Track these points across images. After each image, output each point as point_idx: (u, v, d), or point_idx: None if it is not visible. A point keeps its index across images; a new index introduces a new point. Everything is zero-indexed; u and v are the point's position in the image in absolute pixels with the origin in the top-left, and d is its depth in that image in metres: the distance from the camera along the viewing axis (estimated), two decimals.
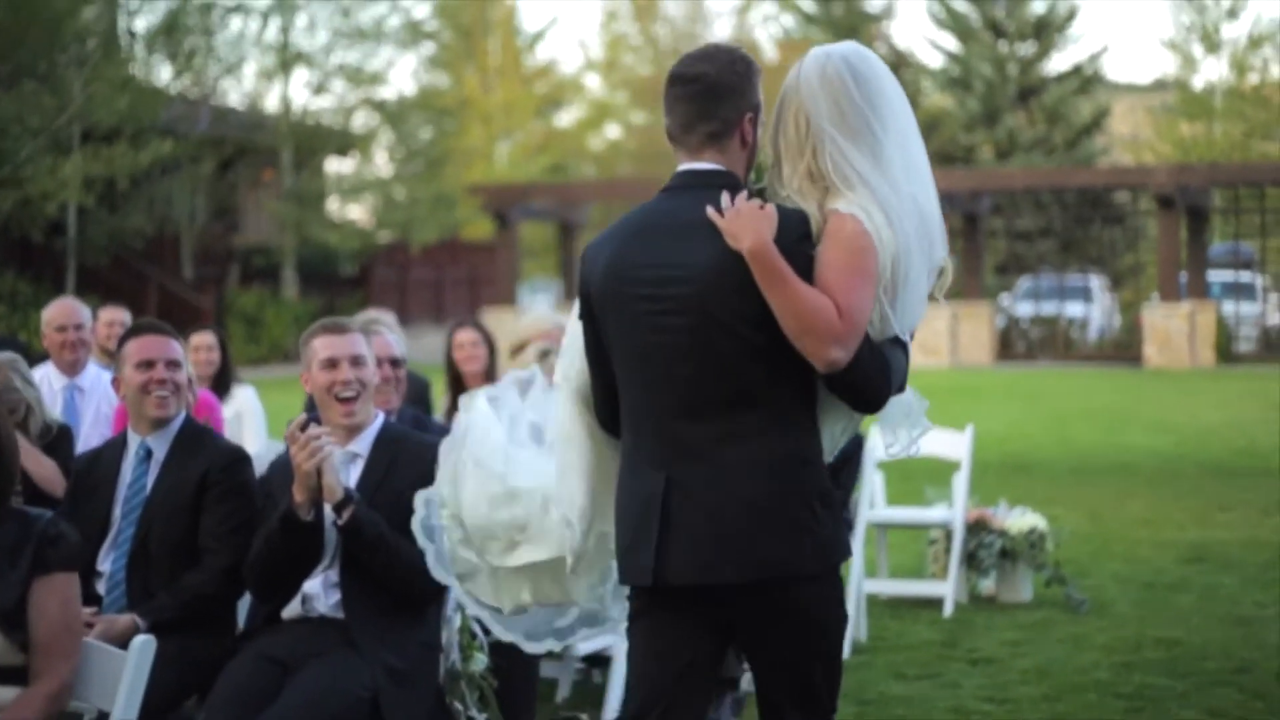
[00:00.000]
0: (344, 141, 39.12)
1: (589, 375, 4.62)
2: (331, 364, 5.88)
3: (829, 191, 4.41)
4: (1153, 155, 46.30)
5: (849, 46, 4.53)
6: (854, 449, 9.28)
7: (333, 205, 39.47)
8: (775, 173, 4.54)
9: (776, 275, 4.25)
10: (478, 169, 49.72)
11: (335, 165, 41.14)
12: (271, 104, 40.42)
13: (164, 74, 35.37)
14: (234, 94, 38.63)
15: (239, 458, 6.05)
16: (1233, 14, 44.74)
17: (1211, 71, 45.23)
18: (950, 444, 10.39)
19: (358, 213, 41.68)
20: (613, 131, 54.82)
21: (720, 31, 52.48)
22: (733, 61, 4.48)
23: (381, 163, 42.29)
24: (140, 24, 35.02)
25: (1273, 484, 16.06)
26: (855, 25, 56.57)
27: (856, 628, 9.30)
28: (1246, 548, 12.52)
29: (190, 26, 35.46)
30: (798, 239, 4.33)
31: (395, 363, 7.26)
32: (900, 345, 4.46)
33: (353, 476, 5.85)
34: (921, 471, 13.38)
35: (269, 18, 38.21)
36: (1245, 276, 39.86)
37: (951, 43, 54.02)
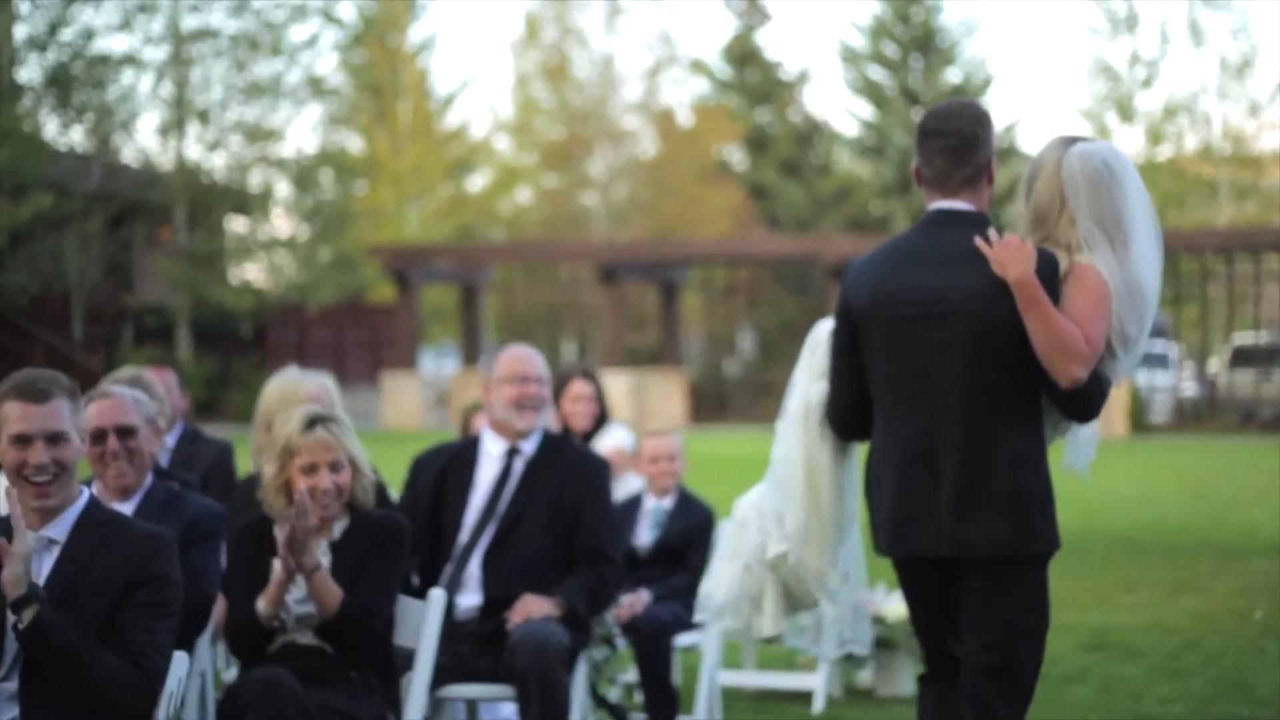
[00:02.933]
0: (240, 200, 38.06)
1: (835, 387, 5.54)
2: (22, 441, 4.88)
3: (1070, 249, 5.28)
4: None
5: (1108, 147, 5.37)
6: (702, 529, 8.43)
7: (230, 264, 38.30)
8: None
9: (1037, 302, 5.14)
10: (387, 231, 48.78)
11: (235, 224, 40.00)
12: (166, 161, 39.30)
13: (51, 127, 34.29)
14: (128, 150, 37.47)
15: None
16: (1147, 84, 44.43)
17: (1127, 142, 44.60)
18: None
19: (255, 272, 40.58)
20: (523, 195, 53.98)
21: (630, 95, 51.78)
22: (977, 117, 5.39)
23: (281, 222, 41.24)
24: (27, 75, 33.89)
25: (1180, 561, 15.28)
26: (769, 92, 56.14)
27: None
28: (1151, 633, 11.66)
29: (80, 79, 34.42)
30: (1050, 274, 5.19)
31: (124, 432, 6.02)
32: (1107, 382, 5.34)
33: (45, 567, 4.87)
34: None
35: (163, 72, 37.18)
36: (1158, 346, 39.31)
37: (867, 110, 53.68)
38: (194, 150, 37.80)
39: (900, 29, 52.93)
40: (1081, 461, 5.56)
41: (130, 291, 39.11)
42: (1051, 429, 5.40)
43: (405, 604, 6.07)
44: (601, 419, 9.56)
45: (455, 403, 39.07)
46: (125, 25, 36.71)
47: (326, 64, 50.43)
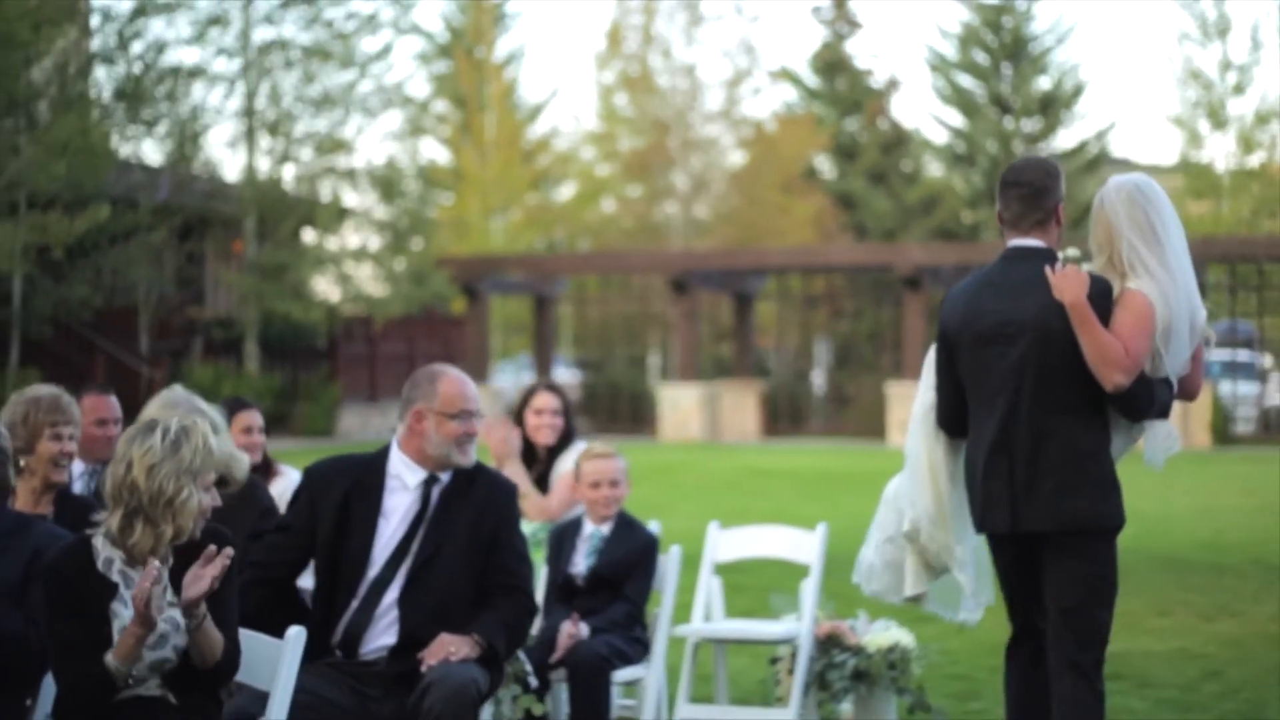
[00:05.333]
0: (310, 211, 37.76)
1: (940, 395, 6.67)
2: None
3: (1124, 276, 6.40)
4: None
5: (1142, 178, 6.50)
6: (640, 557, 7.92)
7: (299, 277, 37.94)
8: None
9: (1087, 322, 6.28)
10: (471, 243, 48.56)
11: (305, 236, 39.71)
12: (235, 172, 39.18)
13: (121, 140, 34.14)
14: (197, 162, 37.25)
15: None
16: (1239, 90, 43.47)
17: (1218, 149, 43.67)
18: (797, 545, 8.94)
19: (325, 285, 40.26)
20: (606, 206, 53.60)
21: (712, 103, 51.21)
22: (1047, 170, 6.57)
23: (351, 234, 40.97)
24: (97, 88, 33.77)
25: (1225, 582, 14.65)
26: (859, 100, 55.51)
27: None
28: (1172, 661, 11.05)
29: (151, 92, 34.27)
30: (1101, 297, 6.31)
31: None
32: (1166, 383, 6.45)
33: None
34: (772, 577, 11.81)
35: (234, 84, 37.02)
36: (1244, 355, 38.37)
37: (956, 118, 52.97)
38: (264, 162, 37.56)
39: (990, 36, 52.17)
40: (1158, 458, 6.60)
41: (200, 305, 38.94)
42: (1128, 429, 6.53)
43: (259, 641, 5.58)
44: (567, 434, 9.07)
45: None
46: (198, 38, 36.57)
47: (401, 74, 49.99)
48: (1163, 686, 10.24)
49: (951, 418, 6.65)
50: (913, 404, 6.91)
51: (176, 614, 5.31)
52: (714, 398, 37.79)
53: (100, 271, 33.58)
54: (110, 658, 5.29)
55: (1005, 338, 6.42)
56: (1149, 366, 6.39)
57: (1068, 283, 6.29)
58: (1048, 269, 6.37)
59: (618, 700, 8.19)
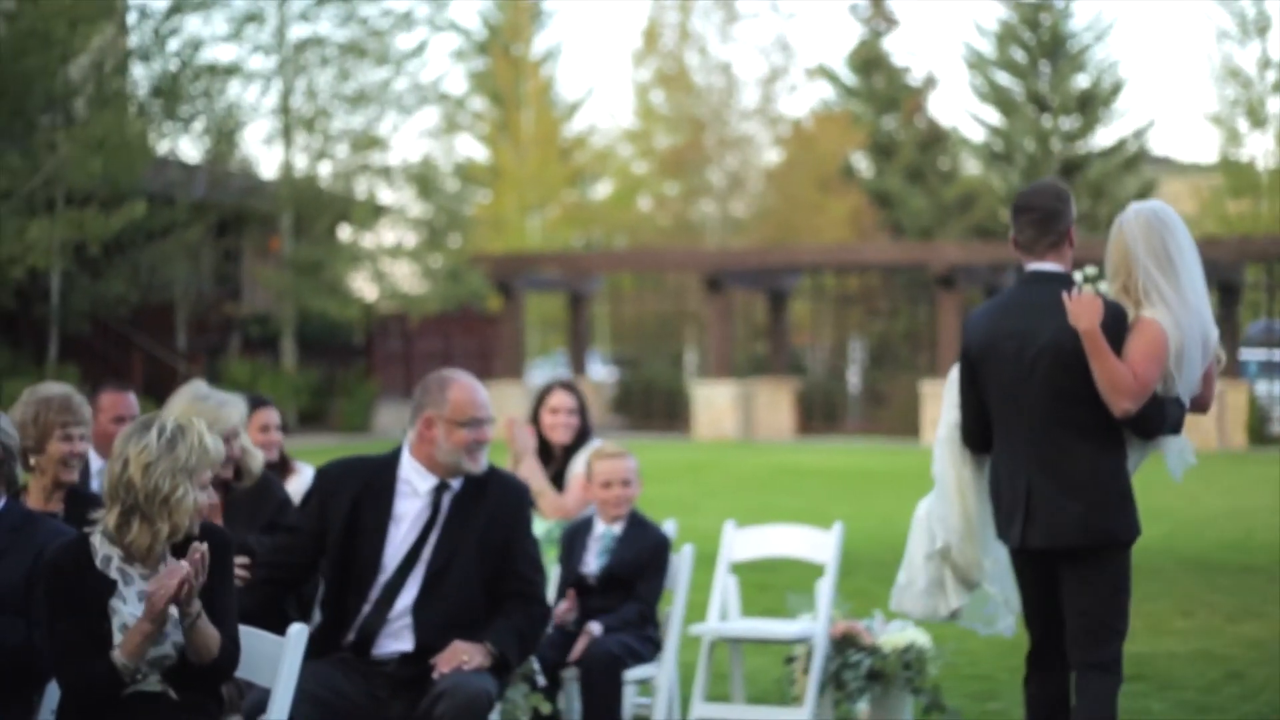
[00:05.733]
0: (346, 208, 37.84)
1: (964, 412, 6.89)
2: None
3: (1139, 304, 6.62)
4: (1197, 232, 44.67)
5: (1159, 204, 6.76)
6: (653, 557, 7.93)
7: (334, 274, 37.99)
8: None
9: (1099, 349, 6.49)
10: (509, 240, 48.64)
11: (341, 233, 39.78)
12: (272, 169, 39.29)
13: (157, 137, 34.26)
14: (234, 159, 37.37)
15: None
16: (1279, 88, 43.27)
17: (1257, 147, 43.50)
18: (813, 544, 8.93)
19: (361, 281, 40.31)
20: (644, 203, 53.60)
21: (748, 100, 51.15)
22: (1058, 194, 6.81)
23: (387, 231, 41.04)
24: (133, 84, 33.89)
25: (1253, 583, 14.57)
26: (896, 97, 55.36)
27: None
28: (1194, 663, 11.02)
29: (191, 92, 34.40)
30: (1114, 323, 6.53)
31: None
32: (1177, 402, 6.68)
33: None
34: (797, 575, 11.79)
35: (270, 81, 37.12)
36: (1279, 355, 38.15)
37: (994, 116, 52.75)
38: (300, 159, 37.65)
39: (1029, 34, 51.90)
40: (1176, 470, 6.86)
41: (237, 301, 39.08)
42: (1141, 444, 6.74)
43: (261, 639, 5.60)
44: (583, 433, 9.07)
45: None
46: (235, 35, 36.70)
47: (435, 72, 49.96)
48: (1183, 688, 10.20)
49: (976, 434, 6.89)
50: (938, 426, 7.13)
51: (175, 610, 5.33)
52: (748, 396, 37.74)
53: (137, 268, 33.71)
54: (117, 654, 5.31)
55: (1021, 358, 6.67)
56: (1161, 387, 6.63)
57: (1083, 309, 6.51)
58: (1064, 295, 6.59)
59: (634, 699, 8.21)
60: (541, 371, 46.82)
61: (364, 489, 6.52)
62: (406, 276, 39.85)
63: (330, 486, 6.58)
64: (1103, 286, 6.86)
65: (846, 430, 38.90)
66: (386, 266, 39.56)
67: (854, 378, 43.57)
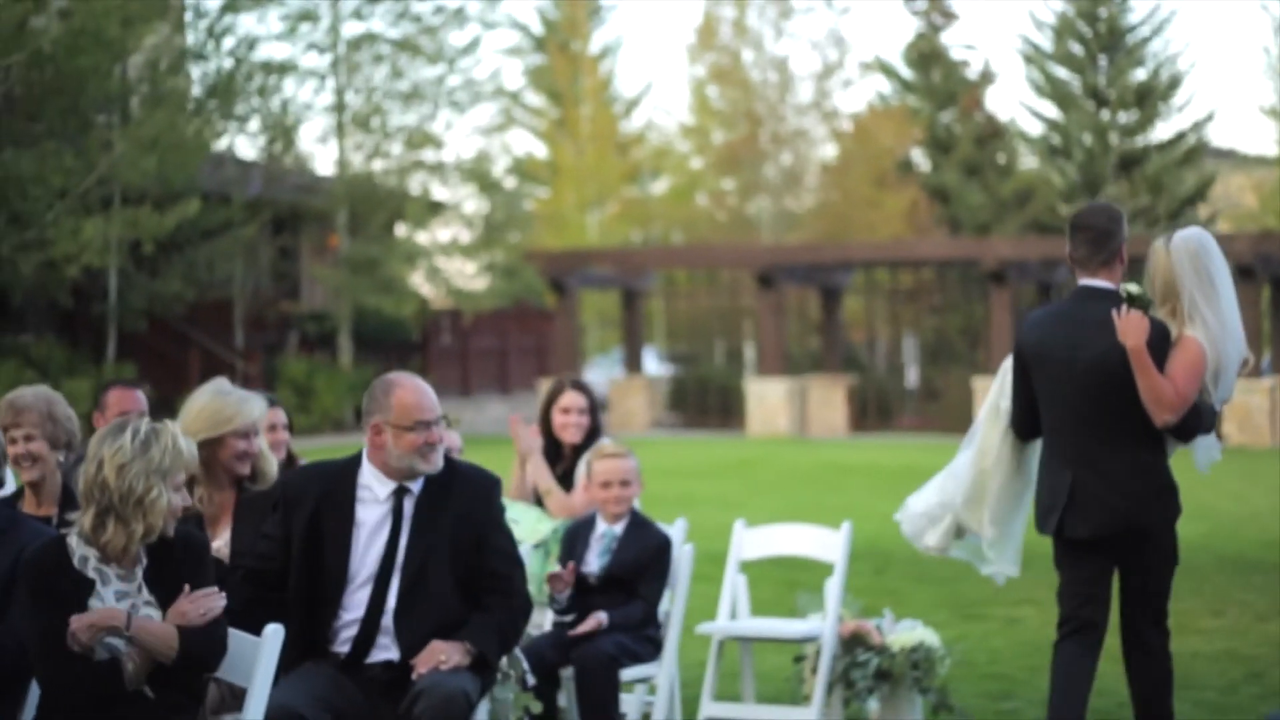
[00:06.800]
0: (401, 205, 38.01)
1: (1014, 404, 7.54)
2: None
3: (1182, 324, 7.24)
4: (1255, 226, 44.47)
5: (1201, 232, 7.35)
6: (654, 558, 7.97)
7: (397, 271, 38.15)
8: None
9: (1145, 366, 7.14)
10: (567, 236, 48.77)
11: (397, 230, 39.96)
12: (327, 166, 39.48)
13: (214, 134, 34.50)
14: (289, 157, 37.60)
15: None
16: None
17: None
18: (823, 543, 8.97)
19: (416, 278, 40.46)
20: (701, 199, 53.64)
21: (803, 95, 51.14)
22: (1111, 215, 7.42)
23: (442, 228, 41.20)
24: (187, 83, 34.13)
25: None
26: (954, 91, 55.14)
27: None
28: (1216, 663, 11.00)
29: (246, 90, 34.62)
30: (1159, 342, 7.19)
31: None
32: (1211, 409, 7.34)
33: None
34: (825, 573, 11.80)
35: (324, 79, 37.33)
36: None
37: (1051, 110, 52.48)
38: (355, 157, 37.83)
39: (1086, 28, 51.60)
40: (1202, 464, 7.58)
41: (295, 299, 39.28)
42: (1173, 442, 7.38)
43: (238, 638, 5.69)
44: (594, 432, 9.13)
45: (614, 409, 38.77)
46: (289, 33, 36.95)
47: (489, 69, 50.03)
48: (1202, 688, 10.18)
49: (1025, 425, 7.56)
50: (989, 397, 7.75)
51: (153, 612, 5.42)
52: (802, 392, 37.68)
53: (193, 266, 33.96)
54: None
55: (1070, 367, 7.30)
56: (1198, 397, 7.30)
57: (1131, 327, 7.13)
58: (1114, 313, 7.20)
59: (641, 698, 8.26)
60: (600, 368, 46.86)
61: (325, 497, 6.53)
62: (461, 273, 39.98)
63: (293, 495, 6.58)
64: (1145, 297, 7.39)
65: (900, 427, 38.82)
66: (442, 263, 39.72)
67: (908, 374, 43.48)
